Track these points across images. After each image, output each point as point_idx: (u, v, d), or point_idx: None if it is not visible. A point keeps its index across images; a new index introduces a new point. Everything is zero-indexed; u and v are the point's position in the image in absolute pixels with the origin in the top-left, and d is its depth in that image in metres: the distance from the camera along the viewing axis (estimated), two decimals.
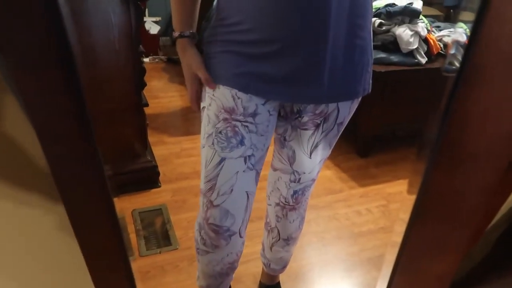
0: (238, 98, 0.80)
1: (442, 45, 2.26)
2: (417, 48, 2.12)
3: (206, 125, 0.84)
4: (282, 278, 1.39)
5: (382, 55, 2.11)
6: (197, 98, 0.87)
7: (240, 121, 0.81)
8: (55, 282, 1.12)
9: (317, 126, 0.89)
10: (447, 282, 0.50)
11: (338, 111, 0.87)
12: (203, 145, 0.85)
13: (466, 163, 0.41)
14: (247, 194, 0.86)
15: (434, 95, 2.17)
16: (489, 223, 0.49)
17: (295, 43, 0.74)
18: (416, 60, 2.12)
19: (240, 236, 0.91)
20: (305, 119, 0.88)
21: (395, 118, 2.29)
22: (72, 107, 0.46)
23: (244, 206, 0.87)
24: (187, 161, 2.20)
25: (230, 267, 0.98)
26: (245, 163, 0.83)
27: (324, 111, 0.87)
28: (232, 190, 0.83)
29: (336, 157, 2.29)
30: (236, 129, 0.81)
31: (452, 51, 2.13)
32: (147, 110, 1.89)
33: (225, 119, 0.81)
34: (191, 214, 1.79)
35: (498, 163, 0.40)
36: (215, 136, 0.82)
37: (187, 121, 2.79)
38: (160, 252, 1.57)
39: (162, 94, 3.21)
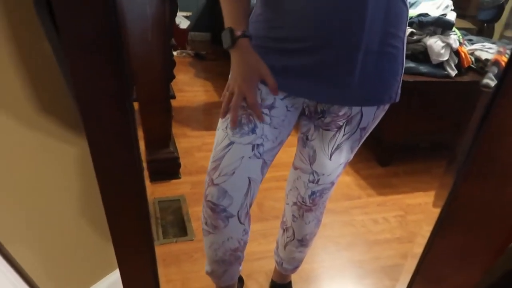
0: (259, 89, 0.83)
1: (473, 59, 2.22)
2: (447, 60, 2.09)
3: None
4: (294, 278, 1.40)
5: (411, 64, 2.09)
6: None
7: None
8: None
9: (339, 128, 0.90)
10: None
11: (362, 115, 0.88)
12: (218, 128, 0.89)
13: (498, 176, 0.42)
14: (249, 179, 0.87)
15: (462, 108, 2.14)
16: None
17: (327, 44, 0.77)
18: (446, 72, 2.09)
19: (240, 222, 0.91)
20: (328, 119, 0.90)
21: (420, 129, 2.26)
22: (117, 91, 0.48)
23: (245, 190, 0.88)
24: (208, 155, 2.19)
25: (232, 254, 0.98)
26: (252, 150, 0.85)
27: (347, 113, 0.87)
28: (234, 172, 0.85)
29: (356, 164, 2.28)
30: (251, 117, 0.84)
31: (492, 69, 2.09)
32: (172, 103, 1.93)
33: (242, 107, 0.84)
34: None
35: None
36: (230, 121, 0.85)
37: (210, 116, 2.83)
38: (176, 242, 1.60)
39: (187, 88, 3.25)
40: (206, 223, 0.92)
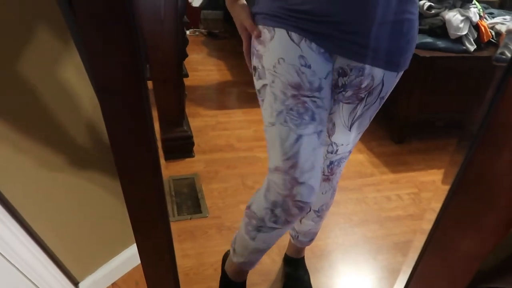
0: (302, 73, 0.80)
1: (493, 33, 2.15)
2: (466, 35, 2.03)
3: (272, 103, 0.82)
4: (307, 254, 1.42)
5: (428, 39, 2.04)
6: (248, 49, 0.90)
7: (308, 97, 0.81)
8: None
9: (360, 100, 0.90)
10: (478, 261, 0.50)
11: (383, 85, 0.87)
12: (272, 123, 0.83)
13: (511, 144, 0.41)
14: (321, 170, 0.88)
15: (480, 85, 2.09)
16: None
17: (347, 18, 0.76)
18: (464, 47, 2.04)
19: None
20: (349, 93, 0.89)
21: (435, 107, 2.22)
22: (132, 64, 0.48)
23: (320, 182, 0.88)
24: (222, 134, 2.25)
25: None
26: (318, 139, 0.83)
27: (370, 85, 0.87)
28: (314, 167, 0.83)
29: (370, 141, 2.26)
30: (306, 105, 0.81)
31: (505, 41, 2.03)
32: (185, 82, 1.93)
33: (293, 96, 0.80)
34: (222, 185, 1.84)
35: None
36: (287, 113, 0.81)
37: (223, 95, 2.83)
38: (190, 219, 1.63)
39: (200, 67, 3.25)
40: (275, 222, 0.91)
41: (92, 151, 1.04)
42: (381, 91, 0.89)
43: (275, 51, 0.81)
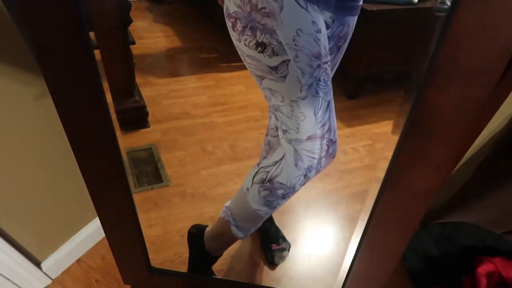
0: (319, 39, 0.78)
1: None
2: None
3: (300, 78, 0.80)
4: None
5: None
6: None
7: (326, 63, 0.82)
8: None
9: (338, 49, 0.94)
10: (430, 196, 0.54)
11: (353, 29, 0.92)
12: (302, 97, 0.82)
13: (458, 80, 0.43)
14: None
15: (425, 36, 2.16)
16: (471, 143, 0.53)
17: None
18: None
19: None
20: (331, 44, 0.90)
21: (385, 60, 2.28)
22: (73, 23, 0.45)
23: None
24: (176, 102, 2.20)
25: None
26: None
27: (346, 33, 0.90)
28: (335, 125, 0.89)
29: None
30: (327, 71, 0.83)
31: None
32: (133, 51, 1.84)
33: (318, 66, 0.80)
34: (181, 153, 1.82)
35: (489, 79, 0.42)
36: (316, 84, 0.81)
37: (174, 62, 2.73)
38: (152, 189, 1.61)
39: (147, 35, 3.09)
40: (305, 183, 0.93)
41: (44, 125, 0.98)
42: (350, 35, 0.93)
43: (290, 23, 0.75)
